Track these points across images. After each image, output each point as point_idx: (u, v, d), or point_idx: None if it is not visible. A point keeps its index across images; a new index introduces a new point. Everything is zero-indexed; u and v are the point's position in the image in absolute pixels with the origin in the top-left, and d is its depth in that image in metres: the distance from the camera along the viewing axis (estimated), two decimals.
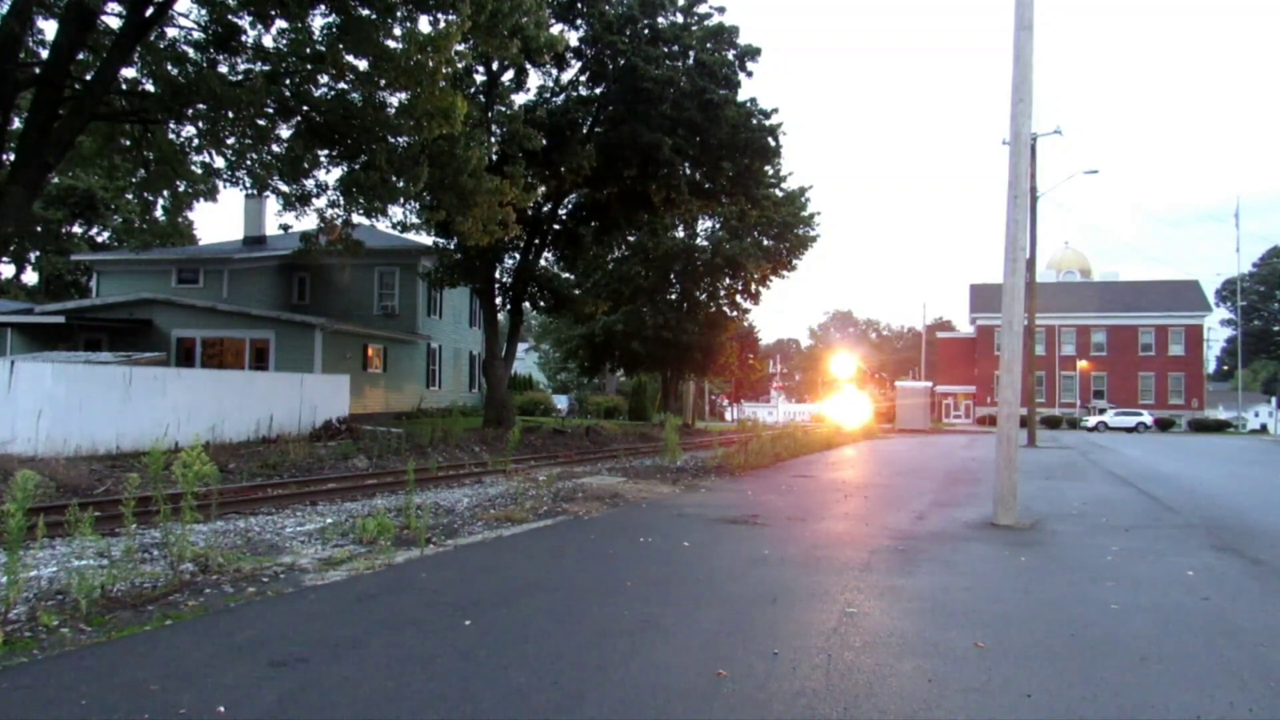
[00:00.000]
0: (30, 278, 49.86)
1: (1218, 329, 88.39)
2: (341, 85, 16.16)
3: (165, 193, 18.44)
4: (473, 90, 22.70)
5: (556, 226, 28.26)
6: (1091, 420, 55.76)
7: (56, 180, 38.76)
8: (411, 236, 27.83)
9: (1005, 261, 9.52)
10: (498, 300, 28.24)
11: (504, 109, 24.49)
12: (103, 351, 23.56)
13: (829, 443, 24.77)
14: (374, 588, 5.73)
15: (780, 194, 36.03)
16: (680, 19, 25.59)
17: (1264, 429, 68.89)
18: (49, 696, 3.61)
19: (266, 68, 15.79)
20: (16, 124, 15.49)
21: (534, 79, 35.24)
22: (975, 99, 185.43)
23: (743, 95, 25.67)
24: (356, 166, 16.85)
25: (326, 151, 17.09)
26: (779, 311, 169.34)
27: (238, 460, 14.77)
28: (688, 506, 10.35)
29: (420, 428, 21.60)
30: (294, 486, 12.34)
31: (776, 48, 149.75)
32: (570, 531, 8.34)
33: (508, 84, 24.69)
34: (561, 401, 52.68)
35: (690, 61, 24.80)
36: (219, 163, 17.50)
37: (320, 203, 18.06)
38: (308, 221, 19.60)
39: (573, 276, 33.13)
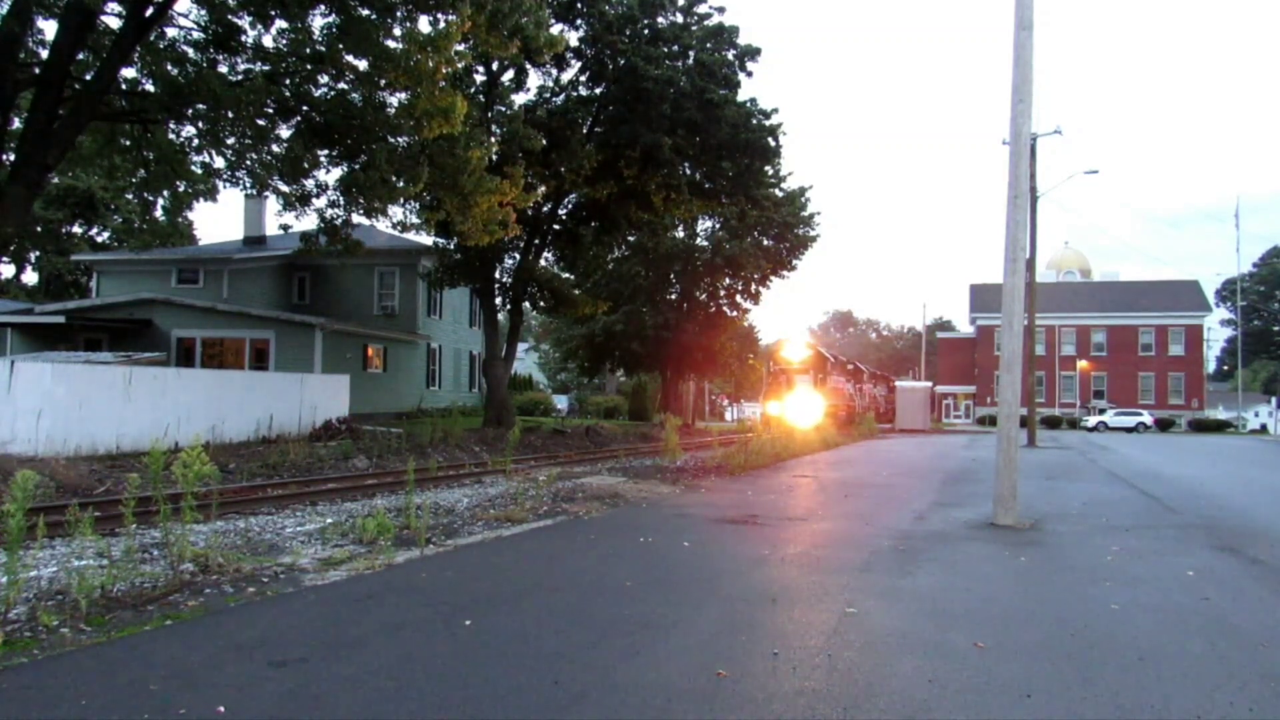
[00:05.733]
0: (30, 278, 49.87)
1: (1218, 329, 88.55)
2: (341, 85, 16.15)
3: (165, 193, 18.43)
4: (473, 90, 22.70)
5: (556, 226, 28.27)
6: (1091, 420, 55.75)
7: (56, 180, 38.73)
8: (411, 236, 27.86)
9: (1005, 261, 9.51)
10: (498, 300, 28.25)
11: (504, 109, 24.49)
12: (103, 351, 23.56)
13: (829, 443, 24.78)
14: (374, 588, 5.73)
15: (780, 194, 36.03)
16: (680, 19, 25.60)
17: (1264, 429, 68.88)
18: (49, 696, 3.61)
19: (266, 68, 15.78)
20: (16, 124, 15.48)
21: (534, 79, 35.25)
22: (975, 99, 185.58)
23: (743, 95, 25.70)
24: (356, 166, 16.85)
25: (326, 151, 17.08)
26: (779, 311, 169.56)
27: (238, 460, 14.77)
28: (688, 506, 10.35)
29: (420, 428, 21.59)
30: (294, 486, 12.33)
31: (777, 47, 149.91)
32: (570, 531, 8.34)
33: (508, 84, 24.70)
34: (561, 401, 52.70)
35: (690, 61, 24.81)
36: (219, 163, 17.51)
37: (320, 203, 18.08)
38: (308, 221, 19.62)
39: (573, 276, 33.17)
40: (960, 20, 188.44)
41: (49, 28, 21.18)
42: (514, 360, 29.79)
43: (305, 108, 16.07)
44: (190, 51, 15.91)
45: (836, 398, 37.55)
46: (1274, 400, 70.28)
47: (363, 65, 15.30)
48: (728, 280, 40.82)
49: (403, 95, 15.81)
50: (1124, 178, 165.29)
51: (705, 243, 40.32)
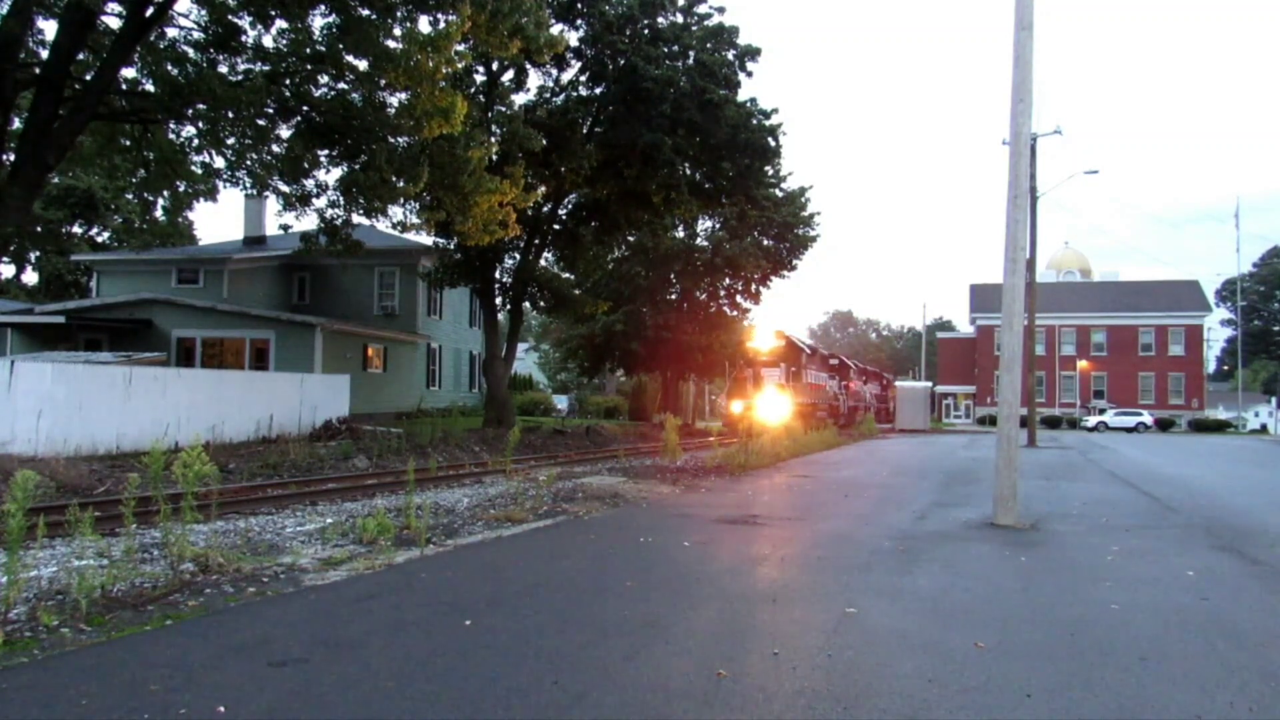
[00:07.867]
0: (30, 278, 49.84)
1: (1218, 329, 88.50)
2: (342, 85, 16.15)
3: (165, 193, 18.42)
4: (473, 90, 22.69)
5: (556, 226, 28.26)
6: (1091, 420, 55.76)
7: (56, 180, 38.74)
8: (411, 236, 27.82)
9: (1005, 261, 9.52)
10: (498, 300, 28.23)
11: (504, 109, 24.49)
12: (103, 351, 23.55)
13: (829, 443, 24.79)
14: (374, 588, 5.73)
15: (780, 194, 36.03)
16: (680, 19, 25.59)
17: (1264, 429, 68.91)
18: (49, 696, 3.61)
19: (266, 68, 15.78)
20: (16, 124, 15.48)
21: (534, 79, 35.25)
22: (975, 99, 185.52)
23: (743, 95, 25.68)
24: (356, 166, 16.84)
25: (326, 151, 17.08)
26: (780, 311, 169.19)
27: (238, 460, 14.77)
28: (688, 506, 10.35)
29: (420, 428, 21.60)
30: (294, 486, 12.33)
31: (777, 47, 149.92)
32: (570, 531, 8.34)
33: (508, 84, 24.69)
34: (561, 401, 52.68)
35: (690, 61, 24.80)
36: (219, 163, 17.49)
37: (320, 203, 18.06)
38: (308, 221, 19.59)
39: (573, 276, 33.17)
40: (960, 20, 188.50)
41: (49, 28, 21.18)
42: (514, 360, 29.78)
43: (305, 108, 16.07)
44: (190, 51, 15.90)
45: (813, 395, 33.06)
46: (1274, 400, 70.34)
47: (363, 65, 15.30)
48: (728, 280, 40.78)
49: (403, 95, 15.80)
50: (1124, 178, 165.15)
51: (705, 243, 40.28)
